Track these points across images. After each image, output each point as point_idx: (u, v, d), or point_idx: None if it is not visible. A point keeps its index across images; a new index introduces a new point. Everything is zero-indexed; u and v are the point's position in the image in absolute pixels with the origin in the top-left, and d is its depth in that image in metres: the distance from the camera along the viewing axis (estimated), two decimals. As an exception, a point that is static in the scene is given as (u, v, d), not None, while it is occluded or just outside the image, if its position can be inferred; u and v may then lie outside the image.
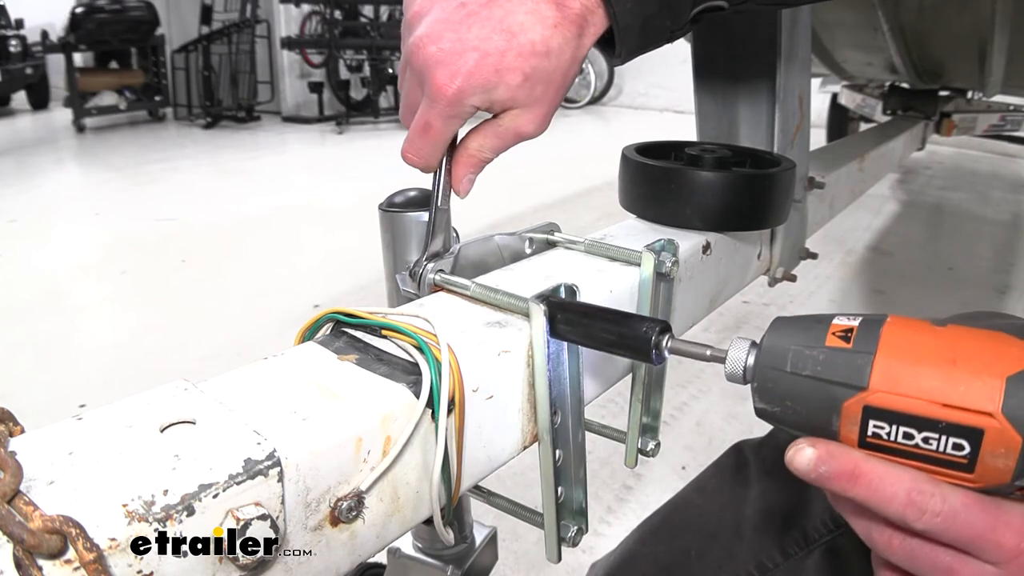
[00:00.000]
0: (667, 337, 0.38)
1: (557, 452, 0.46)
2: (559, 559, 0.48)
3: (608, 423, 0.58)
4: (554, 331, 0.42)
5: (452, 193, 0.52)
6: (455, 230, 0.54)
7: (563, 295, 0.44)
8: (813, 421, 0.33)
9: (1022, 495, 0.31)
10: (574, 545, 0.49)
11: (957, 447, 0.29)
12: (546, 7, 0.44)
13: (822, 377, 0.32)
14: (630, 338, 0.38)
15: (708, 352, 0.37)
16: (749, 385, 0.35)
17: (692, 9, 0.49)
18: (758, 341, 0.35)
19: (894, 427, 0.30)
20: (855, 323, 0.33)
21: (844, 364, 0.31)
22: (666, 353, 0.38)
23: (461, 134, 0.51)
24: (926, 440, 0.30)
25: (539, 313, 0.42)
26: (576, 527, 0.48)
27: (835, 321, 0.33)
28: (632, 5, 0.46)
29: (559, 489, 0.47)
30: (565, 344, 0.44)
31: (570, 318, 0.41)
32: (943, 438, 0.29)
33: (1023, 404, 0.28)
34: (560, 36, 0.45)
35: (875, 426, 0.31)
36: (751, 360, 0.35)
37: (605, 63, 7.55)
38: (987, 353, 0.30)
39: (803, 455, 0.33)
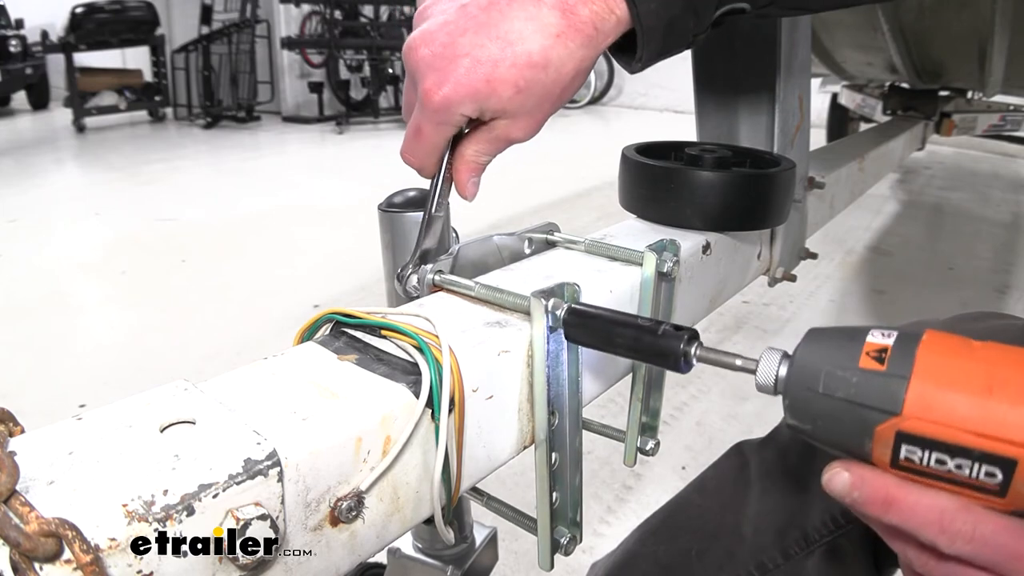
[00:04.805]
0: (695, 345, 0.37)
1: (553, 455, 0.45)
2: (551, 567, 0.47)
3: (608, 423, 0.58)
4: (572, 337, 0.42)
5: (452, 195, 0.51)
6: (455, 230, 0.54)
7: (564, 294, 0.44)
8: (845, 442, 0.32)
9: None
10: (567, 554, 0.48)
11: (989, 474, 0.29)
12: (550, 14, 0.42)
13: (855, 400, 0.31)
14: (657, 346, 0.37)
15: (738, 362, 0.36)
16: (780, 397, 0.34)
17: (716, 11, 0.47)
18: (790, 353, 0.35)
19: (927, 453, 0.30)
20: (890, 341, 0.32)
21: (878, 388, 0.31)
22: (694, 361, 0.37)
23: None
24: (958, 466, 0.30)
25: (540, 310, 0.42)
26: (570, 535, 0.48)
27: (869, 339, 0.32)
28: (656, 6, 0.44)
29: (554, 494, 0.46)
30: (565, 344, 0.44)
31: (591, 324, 0.40)
32: (976, 465, 0.29)
33: None
34: (562, 47, 0.42)
35: (908, 451, 0.31)
36: (782, 372, 0.34)
37: (605, 63, 7.55)
38: None
39: (839, 479, 0.33)
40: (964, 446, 0.29)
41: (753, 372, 0.35)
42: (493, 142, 0.48)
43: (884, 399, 0.31)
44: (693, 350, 0.37)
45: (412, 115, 0.46)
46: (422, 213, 0.53)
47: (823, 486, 0.34)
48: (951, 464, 0.30)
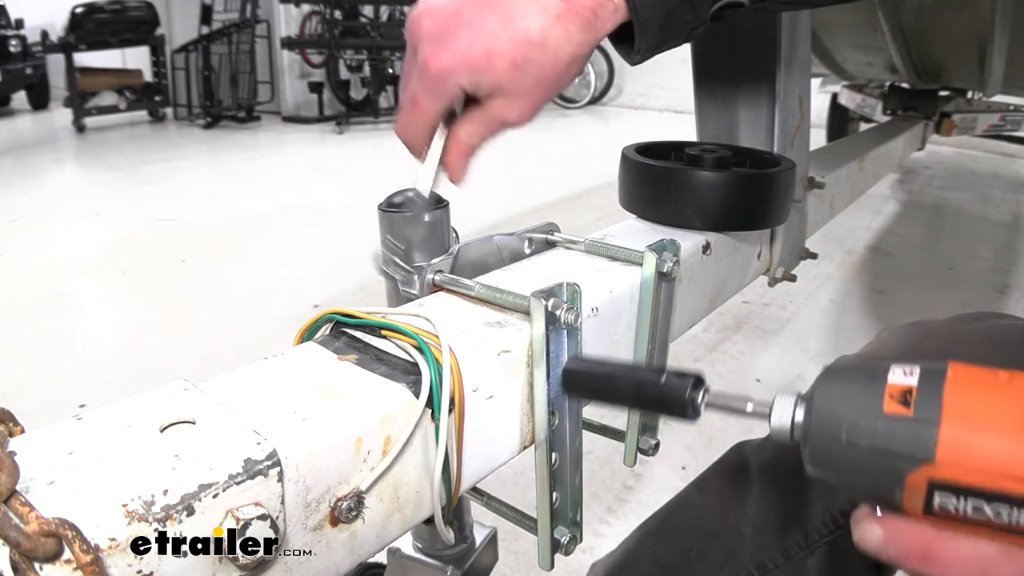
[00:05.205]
0: (701, 392, 0.35)
1: (553, 455, 0.45)
2: (551, 567, 0.48)
3: (608, 423, 0.58)
4: (572, 391, 0.41)
5: (449, 189, 0.51)
6: (455, 230, 0.54)
7: (564, 294, 0.44)
8: (873, 491, 0.31)
9: None
10: (567, 554, 0.48)
11: None
12: None
13: (883, 449, 0.30)
14: (661, 396, 0.36)
15: (749, 407, 0.34)
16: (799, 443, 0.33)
17: (713, 4, 0.48)
18: (804, 394, 0.33)
19: (962, 500, 0.29)
20: (913, 381, 0.30)
21: (906, 435, 0.29)
22: (702, 409, 0.35)
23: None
24: (997, 513, 0.28)
25: (540, 310, 0.42)
26: (570, 535, 0.48)
27: (891, 379, 0.31)
28: None
29: (554, 494, 0.46)
30: (565, 343, 0.44)
31: (590, 379, 0.39)
32: (1015, 510, 0.28)
33: None
34: (561, 29, 0.44)
35: (942, 498, 0.29)
36: (799, 417, 0.32)
37: (605, 63, 7.55)
38: None
39: (872, 535, 0.32)
40: (1002, 492, 0.28)
41: (766, 418, 0.33)
42: (487, 123, 0.48)
43: (914, 446, 0.29)
44: (700, 396, 0.35)
45: (409, 86, 0.47)
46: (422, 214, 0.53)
47: (855, 543, 0.32)
48: (989, 511, 0.28)
